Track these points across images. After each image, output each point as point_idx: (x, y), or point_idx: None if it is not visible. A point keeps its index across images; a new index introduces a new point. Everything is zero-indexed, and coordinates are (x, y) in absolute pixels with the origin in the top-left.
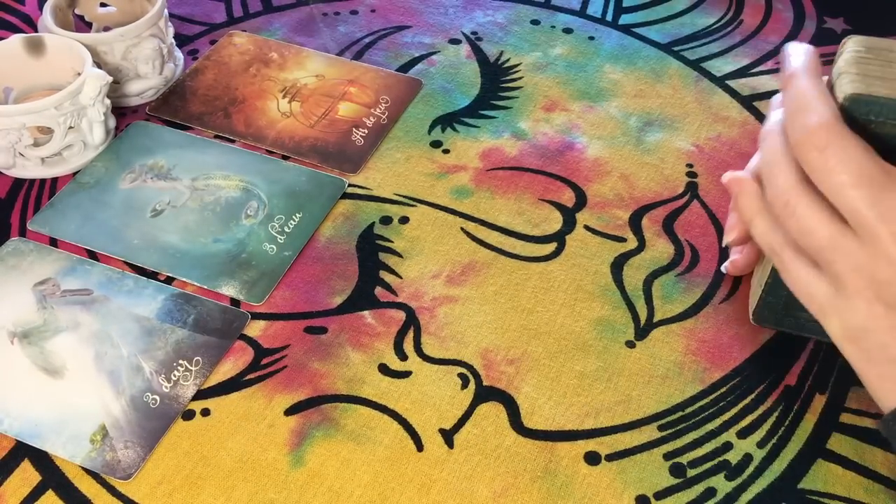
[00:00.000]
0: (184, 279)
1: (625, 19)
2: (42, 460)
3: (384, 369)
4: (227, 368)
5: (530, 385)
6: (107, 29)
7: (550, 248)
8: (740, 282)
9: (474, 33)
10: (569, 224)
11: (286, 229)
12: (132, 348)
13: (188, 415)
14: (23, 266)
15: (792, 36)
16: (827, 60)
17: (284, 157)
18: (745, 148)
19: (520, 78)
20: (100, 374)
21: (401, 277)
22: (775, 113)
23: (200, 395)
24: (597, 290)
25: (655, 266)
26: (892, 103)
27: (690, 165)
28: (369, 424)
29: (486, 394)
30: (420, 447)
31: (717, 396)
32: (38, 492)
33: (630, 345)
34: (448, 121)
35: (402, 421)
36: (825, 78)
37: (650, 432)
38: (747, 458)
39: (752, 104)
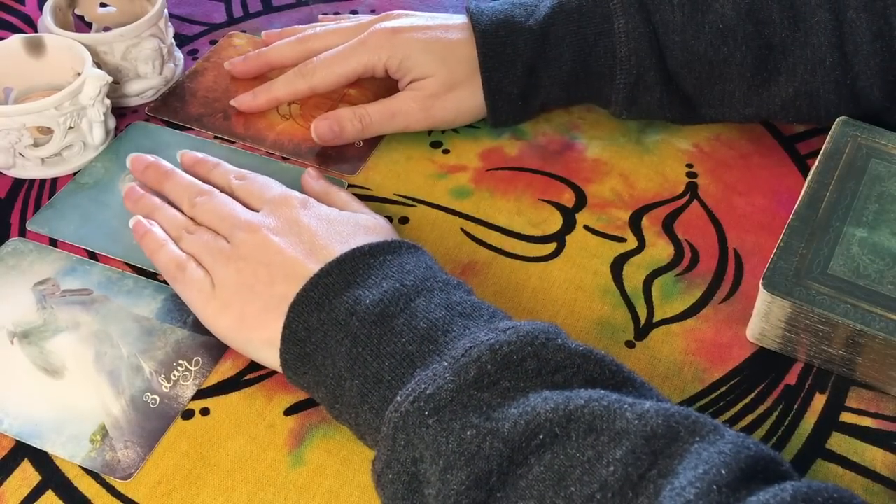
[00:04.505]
0: None
1: None
2: (42, 460)
3: None
4: (227, 368)
5: None
6: (107, 29)
7: (550, 248)
8: (740, 282)
9: None
10: (569, 224)
11: None
12: (132, 348)
13: (188, 415)
14: (22, 266)
15: None
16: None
17: (284, 159)
18: (745, 148)
19: None
20: (100, 374)
21: None
22: None
23: (200, 394)
24: (597, 290)
25: (655, 266)
26: None
27: (690, 165)
28: None
29: None
30: None
31: (716, 396)
32: (37, 492)
33: (630, 345)
34: None
35: None
36: None
37: None
38: None
39: None
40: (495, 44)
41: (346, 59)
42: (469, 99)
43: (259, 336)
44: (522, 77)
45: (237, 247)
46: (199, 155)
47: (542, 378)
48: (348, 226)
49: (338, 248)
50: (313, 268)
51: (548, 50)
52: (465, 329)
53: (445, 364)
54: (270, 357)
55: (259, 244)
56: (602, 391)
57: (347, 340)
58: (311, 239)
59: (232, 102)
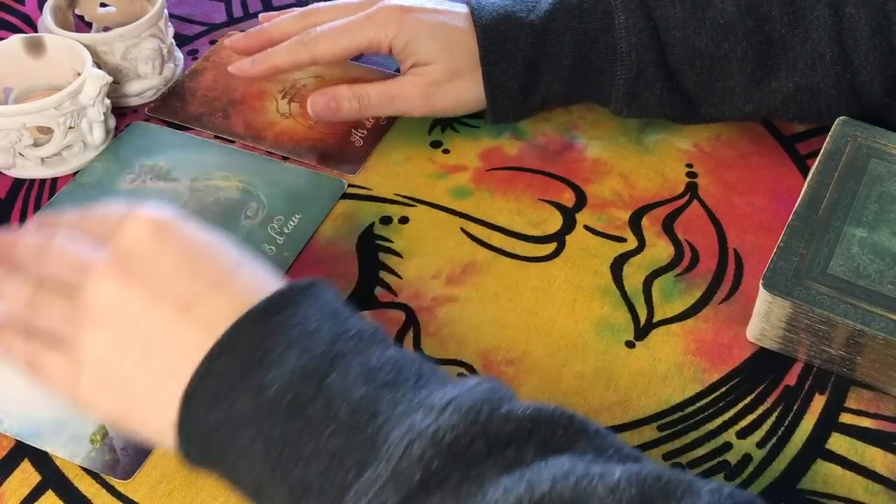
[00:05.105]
0: None
1: None
2: (42, 460)
3: None
4: None
5: (530, 385)
6: (107, 29)
7: (550, 248)
8: (740, 282)
9: None
10: (568, 224)
11: (285, 230)
12: None
13: None
14: None
15: None
16: None
17: (284, 158)
18: (745, 148)
19: None
20: None
21: (401, 277)
22: None
23: None
24: (597, 290)
25: (655, 266)
26: None
27: (690, 165)
28: None
29: None
30: None
31: (716, 397)
32: (38, 492)
33: (630, 345)
34: (448, 121)
35: None
36: None
37: (650, 432)
38: (747, 458)
39: None
40: (496, 38)
41: (351, 31)
42: (470, 90)
43: (148, 428)
44: (523, 72)
45: (88, 305)
46: (47, 213)
47: (494, 458)
48: (220, 255)
49: (217, 298)
50: (193, 335)
51: (548, 45)
52: (395, 407)
53: (384, 469)
54: (169, 444)
55: (113, 299)
56: (565, 463)
57: (260, 441)
58: (184, 284)
59: (230, 69)
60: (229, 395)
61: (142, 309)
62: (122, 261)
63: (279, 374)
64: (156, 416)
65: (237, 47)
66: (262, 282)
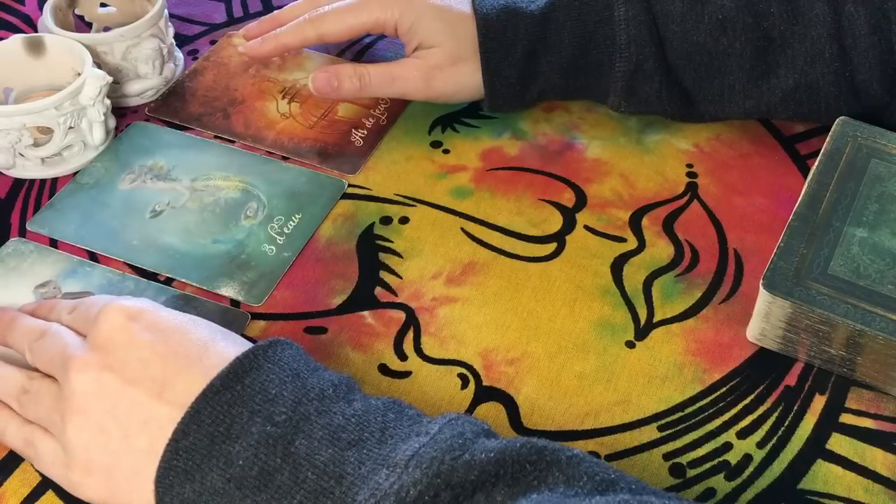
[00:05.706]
0: (183, 280)
1: None
2: None
3: (384, 369)
4: None
5: (530, 385)
6: (107, 29)
7: (550, 248)
8: (740, 282)
9: None
10: (569, 224)
11: (286, 230)
12: None
13: None
14: (23, 268)
15: None
16: None
17: (284, 158)
18: (745, 148)
19: None
20: None
21: (401, 277)
22: None
23: None
24: (597, 290)
25: (655, 266)
26: None
27: (690, 165)
28: None
29: (485, 394)
30: None
31: (716, 397)
32: (38, 492)
33: (630, 345)
34: (448, 121)
35: None
36: None
37: (650, 432)
38: (747, 458)
39: None
40: (496, 27)
41: (358, 10)
42: (470, 76)
43: (135, 502)
44: (521, 61)
45: (69, 397)
46: (39, 301)
47: None
48: (191, 335)
49: (189, 376)
50: (168, 412)
51: (548, 36)
52: (360, 466)
53: None
54: None
55: (92, 387)
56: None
57: None
58: (157, 367)
59: (240, 49)
60: (201, 469)
61: (119, 393)
62: (100, 352)
63: (244, 446)
64: (140, 496)
65: (250, 33)
66: (233, 353)
